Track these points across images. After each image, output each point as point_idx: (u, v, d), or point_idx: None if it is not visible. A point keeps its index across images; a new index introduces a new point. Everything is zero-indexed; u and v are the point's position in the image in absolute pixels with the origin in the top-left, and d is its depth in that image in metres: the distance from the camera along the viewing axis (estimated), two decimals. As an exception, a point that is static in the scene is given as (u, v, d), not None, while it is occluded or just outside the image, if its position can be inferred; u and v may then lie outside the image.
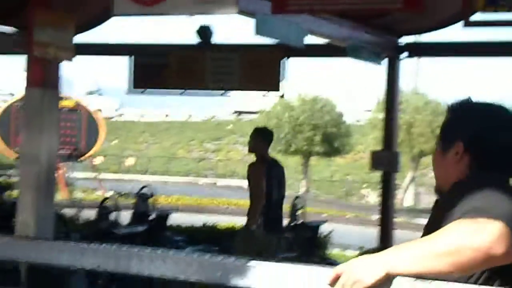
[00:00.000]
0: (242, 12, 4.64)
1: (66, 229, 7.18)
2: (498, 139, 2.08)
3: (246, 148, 7.87)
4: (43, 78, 4.96)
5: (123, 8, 4.39)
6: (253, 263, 2.17)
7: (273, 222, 7.56)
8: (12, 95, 37.42)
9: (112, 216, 7.96)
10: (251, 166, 7.59)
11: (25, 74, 5.13)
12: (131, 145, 44.72)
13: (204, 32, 9.43)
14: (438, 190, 2.22)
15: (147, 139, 45.54)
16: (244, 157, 40.04)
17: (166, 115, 49.77)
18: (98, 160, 27.15)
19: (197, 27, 9.39)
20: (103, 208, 7.94)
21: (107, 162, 37.99)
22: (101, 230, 7.54)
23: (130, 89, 9.96)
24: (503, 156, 2.08)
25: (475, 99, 2.20)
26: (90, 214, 11.69)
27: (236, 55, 9.16)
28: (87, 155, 22.28)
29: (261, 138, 7.63)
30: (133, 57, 9.78)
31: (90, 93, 51.88)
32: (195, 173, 38.91)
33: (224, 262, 2.23)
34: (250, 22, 5.58)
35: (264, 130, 7.96)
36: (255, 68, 8.83)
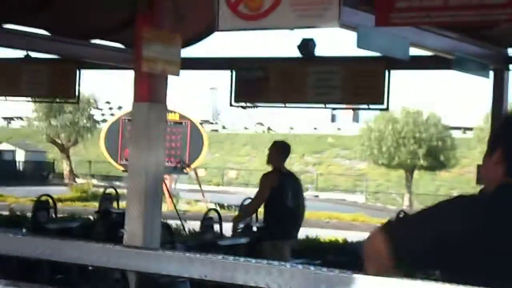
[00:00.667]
0: (344, 25, 4.64)
1: (172, 239, 7.33)
2: None
3: (348, 162, 7.91)
4: (150, 92, 5.11)
5: (227, 23, 4.48)
6: (358, 276, 2.17)
7: (284, 229, 7.88)
8: (120, 108, 38.61)
9: (216, 227, 8.06)
10: (264, 176, 8.04)
11: (132, 89, 5.30)
12: (233, 158, 45.26)
13: (306, 45, 9.45)
14: (479, 180, 2.59)
15: (249, 152, 45.96)
16: (346, 171, 39.82)
17: (268, 128, 50.08)
18: (201, 173, 27.62)
19: (299, 41, 9.41)
20: (208, 220, 8.06)
21: (210, 175, 38.59)
22: (205, 241, 7.66)
23: (232, 102, 10.06)
24: None
25: None
26: (194, 225, 11.90)
27: (339, 68, 9.13)
28: (191, 167, 22.71)
29: (277, 151, 8.03)
30: (234, 71, 9.88)
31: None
32: (296, 186, 38.93)
33: (329, 274, 2.23)
34: (352, 35, 5.57)
35: (281, 144, 8.26)
36: (358, 81, 8.79)
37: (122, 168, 24.99)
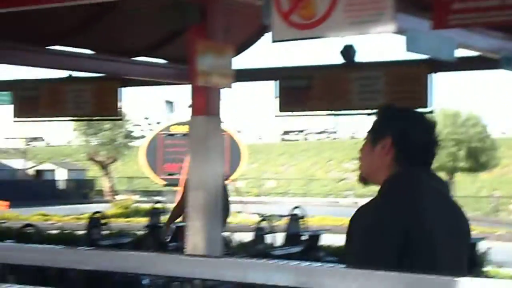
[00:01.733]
0: (397, 31, 4.65)
1: (228, 250, 7.38)
2: (420, 137, 2.50)
3: None
4: (206, 105, 5.16)
5: (282, 34, 4.51)
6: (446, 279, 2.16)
7: None
8: (159, 123, 38.89)
9: (267, 237, 8.10)
10: None
11: (188, 102, 5.35)
12: (270, 168, 45.26)
13: (348, 51, 9.45)
14: (363, 179, 2.67)
15: (286, 161, 45.93)
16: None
17: (305, 137, 50.02)
18: (240, 184, 27.68)
19: (340, 47, 9.42)
20: (259, 230, 8.09)
21: (248, 185, 38.63)
22: (258, 251, 7.69)
23: (276, 112, 10.08)
24: (423, 151, 2.53)
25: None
26: (239, 236, 11.93)
27: (381, 72, 9.12)
28: (230, 178, 22.78)
29: None
30: (278, 81, 9.91)
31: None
32: (335, 194, 38.81)
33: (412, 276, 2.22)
34: (391, 38, 5.57)
35: None
36: (402, 85, 8.76)
37: (163, 182, 25.21)
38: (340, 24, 4.39)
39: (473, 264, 8.98)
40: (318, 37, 4.53)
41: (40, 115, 12.10)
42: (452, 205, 2.58)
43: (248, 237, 12.48)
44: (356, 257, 2.45)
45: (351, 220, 2.52)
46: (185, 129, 26.99)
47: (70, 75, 12.10)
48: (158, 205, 10.68)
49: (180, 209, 8.19)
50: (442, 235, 2.43)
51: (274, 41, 4.56)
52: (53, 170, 39.19)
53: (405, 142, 2.49)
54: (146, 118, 48.37)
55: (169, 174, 27.12)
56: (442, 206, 2.49)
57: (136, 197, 32.08)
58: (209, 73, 5.02)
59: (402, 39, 5.55)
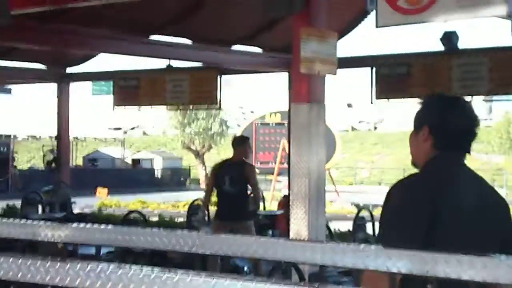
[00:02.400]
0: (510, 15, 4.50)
1: (327, 239, 7.37)
2: (455, 124, 2.67)
3: (485, 156, 7.64)
4: (308, 93, 5.15)
5: (387, 19, 4.45)
6: None
7: None
8: (252, 112, 39.17)
9: (368, 226, 8.04)
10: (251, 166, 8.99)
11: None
12: (364, 157, 44.88)
13: (449, 38, 9.25)
14: (413, 163, 2.78)
15: (380, 151, 45.43)
16: (481, 165, 38.62)
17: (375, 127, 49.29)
18: (334, 173, 27.56)
19: (441, 34, 9.23)
20: (360, 219, 8.04)
21: (341, 174, 38.43)
22: (359, 240, 7.65)
23: (373, 100, 9.98)
24: (458, 138, 2.68)
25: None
26: (335, 225, 11.88)
27: (485, 59, 8.88)
28: (325, 168, 22.63)
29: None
30: (374, 68, 9.81)
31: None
32: (431, 183, 38.11)
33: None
34: (490, 24, 5.40)
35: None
36: (507, 71, 8.51)
37: (258, 172, 25.27)
38: (449, 8, 4.29)
39: None
40: (424, 22, 4.45)
41: (140, 103, 12.42)
42: (486, 188, 2.72)
43: (343, 226, 12.44)
44: (386, 225, 2.63)
45: (388, 193, 2.67)
46: (279, 118, 27.13)
47: (169, 65, 12.34)
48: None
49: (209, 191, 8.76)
50: (470, 213, 2.58)
51: (378, 27, 4.51)
52: (151, 159, 40.11)
53: (441, 129, 2.68)
54: (240, 107, 48.83)
55: (263, 163, 27.39)
56: (473, 187, 2.66)
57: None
58: (312, 60, 5.00)
59: (507, 24, 5.39)
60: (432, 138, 2.67)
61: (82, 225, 3.04)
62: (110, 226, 2.91)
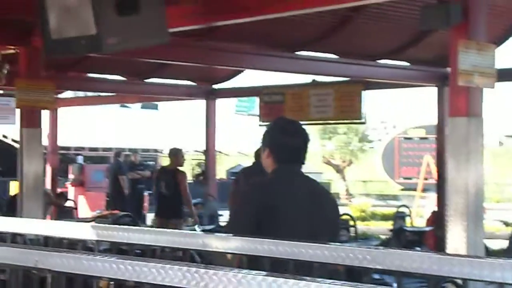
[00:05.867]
0: None
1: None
2: (286, 144, 3.40)
3: None
4: (467, 106, 5.02)
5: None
6: None
7: None
8: (395, 127, 38.63)
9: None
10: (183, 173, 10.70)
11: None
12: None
13: None
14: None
15: (529, 166, 43.47)
16: None
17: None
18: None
19: None
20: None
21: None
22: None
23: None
24: (290, 153, 3.41)
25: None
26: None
27: None
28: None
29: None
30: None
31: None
32: None
33: None
34: None
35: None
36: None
37: (400, 187, 24.93)
38: None
39: None
40: None
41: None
42: (318, 188, 3.51)
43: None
44: (229, 223, 3.58)
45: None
46: (422, 132, 26.54)
47: (313, 80, 12.39)
48: (402, 209, 10.57)
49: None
50: (292, 213, 3.30)
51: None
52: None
53: (277, 148, 3.41)
54: (383, 122, 48.26)
55: (406, 178, 26.85)
56: (305, 188, 3.40)
57: (371, 201, 32.09)
58: (470, 73, 4.87)
59: None
60: (272, 155, 3.41)
61: (248, 237, 3.12)
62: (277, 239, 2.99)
